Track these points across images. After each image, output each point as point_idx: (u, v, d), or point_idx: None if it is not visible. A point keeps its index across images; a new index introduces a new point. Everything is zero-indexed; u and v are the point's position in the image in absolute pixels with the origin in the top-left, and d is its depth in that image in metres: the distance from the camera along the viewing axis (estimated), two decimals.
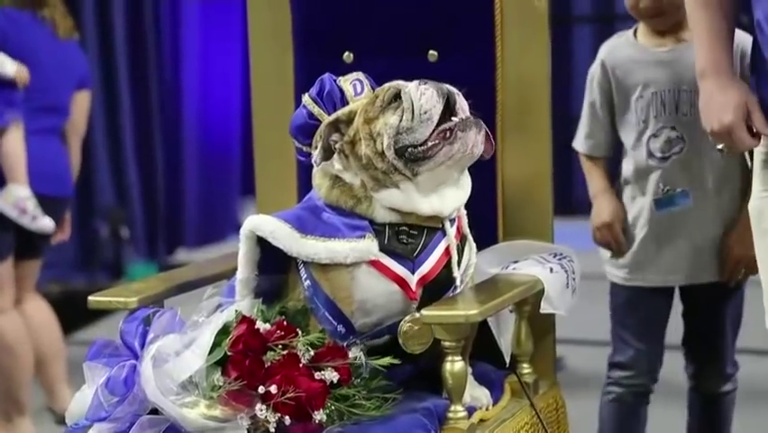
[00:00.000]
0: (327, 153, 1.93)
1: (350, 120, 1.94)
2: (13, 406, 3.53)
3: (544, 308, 2.06)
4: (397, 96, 1.90)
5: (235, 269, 2.02)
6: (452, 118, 1.88)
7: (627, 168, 2.49)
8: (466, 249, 1.98)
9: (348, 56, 2.27)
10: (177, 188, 7.03)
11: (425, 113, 1.86)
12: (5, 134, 3.38)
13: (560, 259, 2.15)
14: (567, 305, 2.11)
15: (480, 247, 2.05)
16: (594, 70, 2.54)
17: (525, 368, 2.14)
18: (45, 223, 3.46)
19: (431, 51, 2.23)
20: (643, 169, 2.45)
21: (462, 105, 1.90)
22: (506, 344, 2.09)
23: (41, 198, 3.45)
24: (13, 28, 3.47)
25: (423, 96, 1.87)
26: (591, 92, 2.54)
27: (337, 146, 1.93)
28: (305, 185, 2.20)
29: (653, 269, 2.48)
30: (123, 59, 6.59)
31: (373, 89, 2.05)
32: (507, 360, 2.09)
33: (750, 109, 1.97)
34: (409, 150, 1.87)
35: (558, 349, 2.31)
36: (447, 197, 1.91)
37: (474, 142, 1.88)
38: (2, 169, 3.39)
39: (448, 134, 1.87)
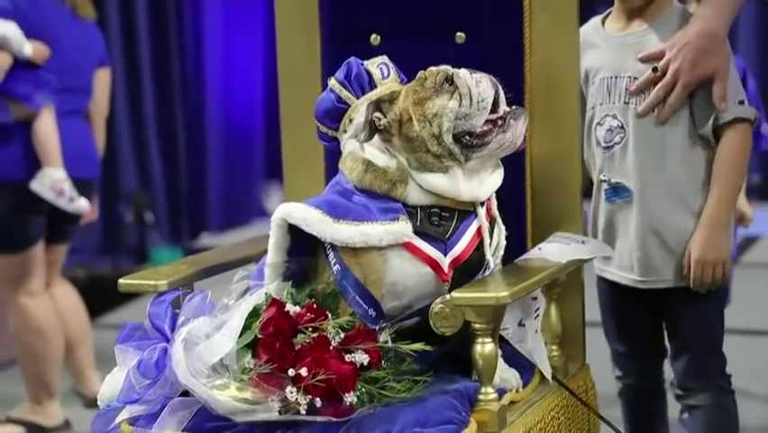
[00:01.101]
0: (371, 131, 1.93)
1: (391, 99, 1.94)
2: (44, 389, 3.55)
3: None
4: (448, 80, 1.90)
5: (263, 252, 2.02)
6: (500, 110, 1.90)
7: (587, 155, 2.36)
8: (495, 231, 1.98)
9: (375, 39, 2.26)
10: (200, 173, 7.05)
11: (482, 101, 1.89)
12: (38, 118, 3.40)
13: (584, 243, 2.15)
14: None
15: (509, 228, 2.05)
16: None
17: (554, 350, 2.14)
18: (81, 204, 3.48)
19: (458, 33, 2.22)
20: (593, 157, 2.33)
21: (503, 97, 1.92)
22: (542, 359, 2.06)
23: (72, 181, 3.47)
24: (34, 11, 3.49)
25: (479, 84, 1.89)
26: None
27: (382, 122, 1.93)
28: (332, 170, 2.20)
29: (612, 262, 2.33)
30: (146, 44, 6.60)
31: (398, 73, 2.05)
32: (549, 375, 2.06)
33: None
34: (466, 137, 1.88)
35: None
36: (485, 183, 1.93)
37: (521, 130, 1.91)
38: (36, 152, 3.41)
39: (500, 122, 1.89)
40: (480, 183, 1.92)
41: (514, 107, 1.92)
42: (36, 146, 3.40)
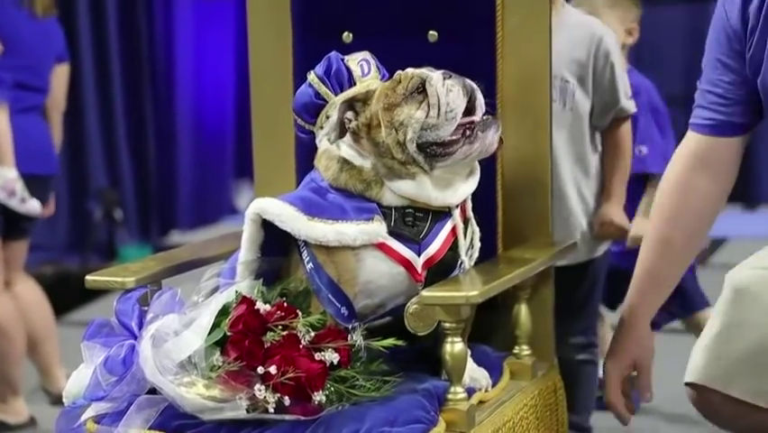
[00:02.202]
0: (342, 131, 1.92)
1: (365, 100, 1.92)
2: (8, 387, 3.52)
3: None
4: (420, 87, 1.88)
5: (233, 250, 2.01)
6: (477, 114, 1.88)
7: None
8: (468, 231, 1.98)
9: (347, 36, 2.25)
10: (170, 170, 7.02)
11: (451, 111, 1.85)
12: None
13: None
14: None
15: (480, 230, 2.04)
16: None
17: (525, 350, 2.14)
18: (33, 205, 3.46)
19: (431, 32, 2.21)
20: None
21: (480, 101, 1.89)
22: None
23: (27, 178, 3.44)
24: None
25: (450, 93, 1.86)
26: None
27: (352, 125, 1.91)
28: (303, 168, 2.19)
29: None
30: (116, 41, 6.57)
31: (379, 69, 2.03)
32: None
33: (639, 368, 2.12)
34: (431, 147, 1.86)
35: None
36: (458, 189, 1.92)
37: (491, 141, 1.89)
38: None
39: (468, 133, 1.87)
40: (453, 190, 1.90)
41: (485, 117, 1.89)
42: None
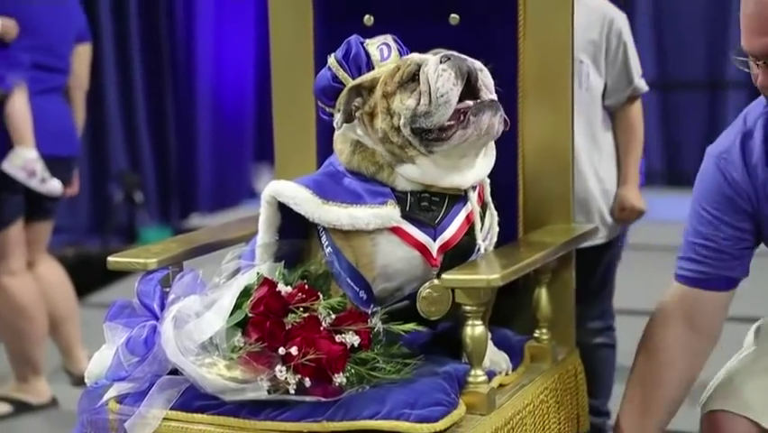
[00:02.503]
0: (348, 117, 1.92)
1: (372, 87, 1.92)
2: (29, 367, 3.55)
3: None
4: (415, 74, 1.86)
5: (254, 232, 2.02)
6: (480, 96, 1.84)
7: None
8: (487, 216, 1.97)
9: (368, 19, 2.25)
10: (190, 153, 7.03)
11: (442, 96, 1.82)
12: (11, 98, 3.38)
13: None
14: None
15: (501, 214, 2.04)
16: None
17: (545, 334, 2.14)
18: (53, 185, 3.47)
19: (452, 15, 2.20)
20: None
21: (486, 81, 1.86)
22: None
23: (48, 159, 3.45)
24: None
25: (440, 78, 1.83)
26: None
27: (357, 114, 1.92)
28: (323, 150, 2.19)
29: None
30: (136, 22, 6.57)
31: (400, 53, 2.02)
32: None
33: None
34: (425, 132, 1.85)
35: None
36: (467, 172, 1.90)
37: (490, 124, 1.85)
38: (8, 132, 3.39)
39: (462, 117, 1.84)
40: (461, 173, 1.89)
41: (479, 101, 1.85)
42: (8, 126, 3.38)
